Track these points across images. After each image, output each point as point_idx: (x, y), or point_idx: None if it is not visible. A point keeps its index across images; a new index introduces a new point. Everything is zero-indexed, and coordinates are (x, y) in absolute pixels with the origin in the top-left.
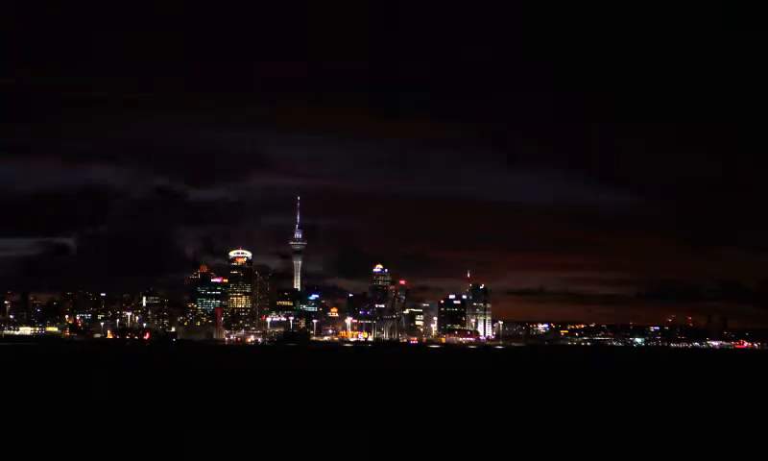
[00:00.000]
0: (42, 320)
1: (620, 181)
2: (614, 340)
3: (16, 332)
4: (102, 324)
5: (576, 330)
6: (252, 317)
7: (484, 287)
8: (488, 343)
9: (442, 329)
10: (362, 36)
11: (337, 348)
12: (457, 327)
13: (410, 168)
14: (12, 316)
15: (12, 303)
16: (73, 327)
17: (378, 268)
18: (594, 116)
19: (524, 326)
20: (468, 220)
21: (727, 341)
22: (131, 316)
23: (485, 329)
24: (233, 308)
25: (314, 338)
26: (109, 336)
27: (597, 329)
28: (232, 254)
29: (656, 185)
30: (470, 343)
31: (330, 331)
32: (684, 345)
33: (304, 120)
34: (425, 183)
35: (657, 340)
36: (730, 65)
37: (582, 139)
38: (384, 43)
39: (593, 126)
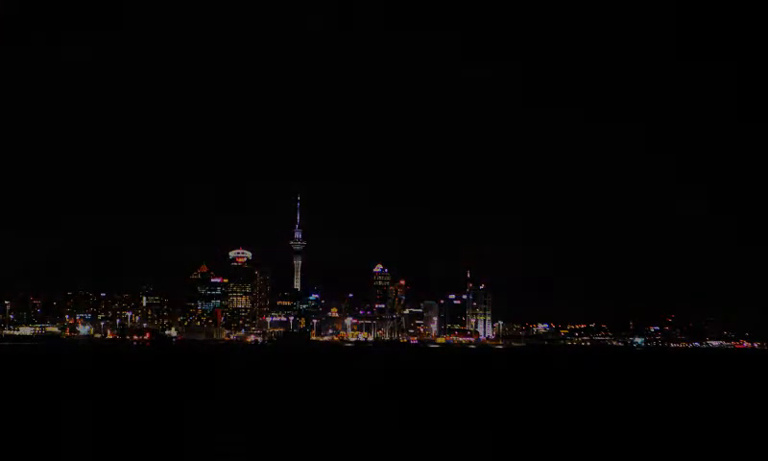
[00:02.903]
0: (42, 320)
1: None
2: (614, 340)
3: (16, 332)
4: (102, 324)
5: (576, 330)
6: (252, 317)
7: (484, 287)
8: (487, 342)
9: (442, 329)
10: None
11: (338, 347)
12: (457, 327)
13: None
14: (12, 316)
15: (12, 303)
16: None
17: (378, 268)
18: None
19: (524, 326)
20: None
21: (727, 341)
22: (130, 316)
23: (485, 329)
24: (233, 308)
25: (314, 338)
26: (110, 336)
27: (597, 329)
28: (232, 254)
29: None
30: (470, 343)
31: (330, 331)
32: (684, 345)
33: None
34: None
35: (657, 340)
36: None
37: None
38: None
39: None
